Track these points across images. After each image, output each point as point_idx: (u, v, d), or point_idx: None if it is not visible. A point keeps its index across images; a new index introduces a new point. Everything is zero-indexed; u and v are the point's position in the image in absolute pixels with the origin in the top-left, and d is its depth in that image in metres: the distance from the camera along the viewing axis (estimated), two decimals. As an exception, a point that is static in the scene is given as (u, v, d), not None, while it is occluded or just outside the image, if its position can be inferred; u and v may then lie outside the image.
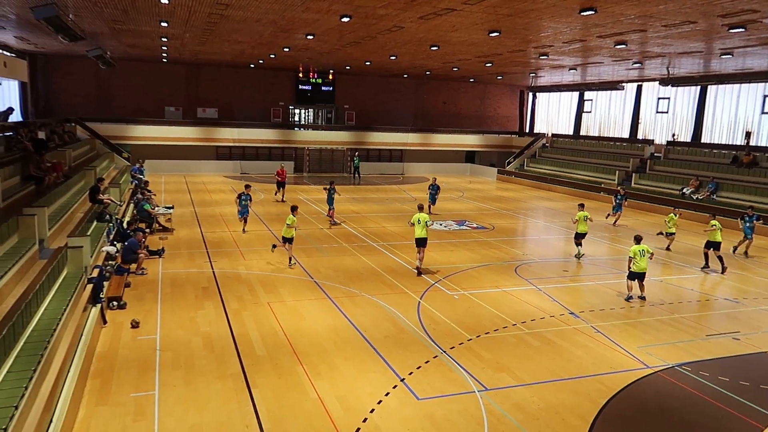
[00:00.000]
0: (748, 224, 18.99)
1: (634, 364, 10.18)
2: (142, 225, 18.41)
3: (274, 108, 42.51)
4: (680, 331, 11.89)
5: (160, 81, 39.54)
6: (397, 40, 24.26)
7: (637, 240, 13.88)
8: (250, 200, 20.48)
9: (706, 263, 17.19)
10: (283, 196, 27.88)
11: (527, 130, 48.96)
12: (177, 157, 38.05)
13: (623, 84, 38.87)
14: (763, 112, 31.39)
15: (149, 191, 21.74)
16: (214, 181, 34.95)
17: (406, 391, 8.88)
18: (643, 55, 25.82)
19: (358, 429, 7.71)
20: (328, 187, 22.90)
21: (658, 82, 35.65)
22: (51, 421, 6.88)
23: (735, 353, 10.91)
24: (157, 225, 19.43)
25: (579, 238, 18.17)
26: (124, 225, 17.11)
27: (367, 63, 33.46)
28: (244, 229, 20.06)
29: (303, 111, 44.24)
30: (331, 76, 42.54)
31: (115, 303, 11.83)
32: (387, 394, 8.72)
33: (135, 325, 10.96)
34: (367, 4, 17.02)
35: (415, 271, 15.68)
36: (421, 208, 16.30)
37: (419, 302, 13.24)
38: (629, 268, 13.66)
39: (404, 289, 14.21)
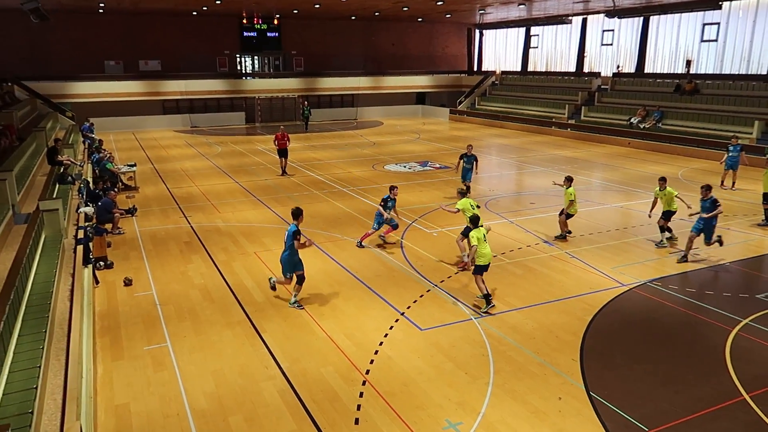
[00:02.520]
0: (732, 154, 18.90)
1: (611, 283, 11.01)
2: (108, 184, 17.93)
3: (219, 57, 41.05)
4: (647, 252, 12.83)
5: (98, 34, 37.39)
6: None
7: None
8: None
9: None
10: (285, 168, 21.96)
11: (476, 69, 49.23)
12: (122, 114, 36.60)
13: (570, 18, 39.39)
14: (702, 41, 32.66)
15: (104, 150, 21.04)
16: (166, 137, 33.93)
17: (408, 323, 9.39)
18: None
19: (372, 361, 8.18)
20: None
21: (603, 14, 36.34)
22: (81, 375, 7.01)
23: (698, 267, 11.92)
24: (120, 184, 18.97)
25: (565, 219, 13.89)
26: (90, 186, 16.65)
27: (317, 6, 32.60)
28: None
29: (250, 59, 42.94)
30: (276, 21, 41.22)
31: (102, 263, 11.75)
32: (391, 328, 9.20)
33: (128, 282, 10.97)
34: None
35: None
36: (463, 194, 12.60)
37: (401, 242, 13.68)
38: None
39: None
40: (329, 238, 14.00)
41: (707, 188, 12.37)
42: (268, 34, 42.06)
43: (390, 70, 45.37)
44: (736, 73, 30.56)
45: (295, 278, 9.92)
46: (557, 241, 13.48)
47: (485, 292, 9.80)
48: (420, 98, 47.16)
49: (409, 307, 9.98)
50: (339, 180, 20.92)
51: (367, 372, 7.86)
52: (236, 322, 9.44)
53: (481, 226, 10.08)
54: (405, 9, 35.34)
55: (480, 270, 9.87)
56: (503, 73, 45.00)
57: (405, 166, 23.75)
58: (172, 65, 39.35)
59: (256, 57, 43.07)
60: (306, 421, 6.84)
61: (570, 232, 13.84)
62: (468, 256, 11.50)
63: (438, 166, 23.78)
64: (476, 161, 17.68)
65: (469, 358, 8.27)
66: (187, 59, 39.83)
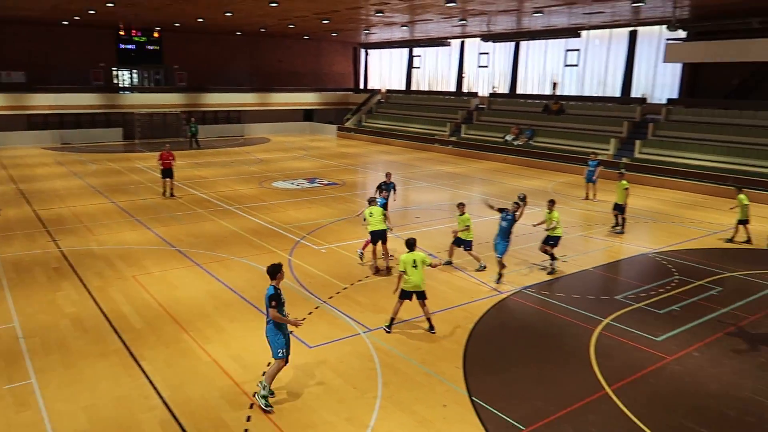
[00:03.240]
0: (591, 168, 20.71)
1: (490, 292, 11.65)
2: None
3: (94, 70, 38.58)
4: (522, 261, 13.70)
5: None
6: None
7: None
8: None
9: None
10: (171, 190, 20.38)
11: (362, 87, 50.20)
12: (-22, 129, 33.20)
13: (449, 40, 41.39)
14: (565, 65, 35.63)
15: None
16: (32, 154, 31.21)
17: (296, 342, 9.30)
18: (467, 12, 27.79)
19: (260, 382, 8.03)
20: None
21: (479, 38, 38.59)
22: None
23: (566, 273, 12.92)
24: (-25, 207, 17.20)
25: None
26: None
27: (200, 20, 31.72)
28: None
29: (128, 72, 40.77)
30: (156, 34, 39.57)
31: (-48, 296, 10.54)
32: (279, 347, 9.08)
33: (-15, 316, 9.95)
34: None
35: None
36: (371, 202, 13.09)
37: (290, 259, 13.59)
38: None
39: (271, 248, 14.42)
40: (214, 258, 13.58)
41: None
42: (148, 46, 40.26)
43: (277, 87, 45.05)
44: (595, 95, 33.66)
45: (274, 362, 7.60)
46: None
47: (392, 316, 9.71)
48: (308, 115, 47.18)
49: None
50: (225, 198, 20.38)
51: (255, 394, 7.71)
52: (112, 351, 8.88)
53: (414, 250, 9.63)
54: (291, 26, 35.36)
55: (402, 295, 9.55)
56: (388, 91, 46.26)
57: (293, 183, 23.63)
58: (39, 77, 36.36)
59: (134, 70, 40.98)
60: (190, 451, 6.58)
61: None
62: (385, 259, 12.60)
63: (326, 182, 23.90)
64: (394, 189, 16.13)
65: (357, 372, 8.38)
66: (58, 71, 37.05)
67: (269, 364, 7.88)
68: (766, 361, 8.92)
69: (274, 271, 7.67)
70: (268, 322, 7.62)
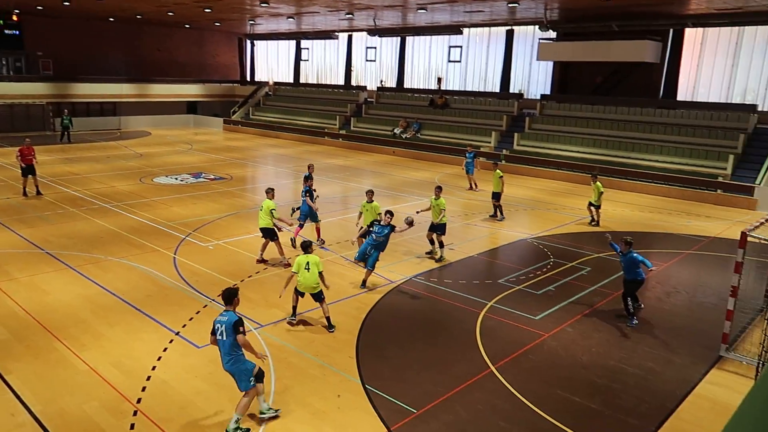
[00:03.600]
0: (468, 160, 21.95)
1: (381, 281, 11.85)
2: None
3: (-63, 55, 34.36)
4: (410, 251, 14.07)
5: None
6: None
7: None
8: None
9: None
10: (37, 188, 18.72)
11: (249, 79, 48.90)
12: None
13: (336, 33, 41.38)
14: (449, 61, 36.93)
15: None
16: None
17: (184, 343, 8.96)
18: (353, 6, 27.92)
19: (144, 388, 7.63)
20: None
21: (366, 32, 38.92)
22: None
23: (453, 260, 13.45)
24: None
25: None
26: None
27: (66, 3, 29.22)
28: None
29: (-19, 59, 36.75)
30: (16, 18, 35.90)
31: None
32: (165, 350, 8.69)
33: None
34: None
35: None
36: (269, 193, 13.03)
37: (174, 258, 12.99)
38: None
39: (154, 247, 13.71)
40: (89, 259, 12.67)
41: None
42: (6, 31, 36.49)
43: (157, 78, 42.66)
44: (477, 90, 35.22)
45: (245, 394, 6.80)
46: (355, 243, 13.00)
47: (293, 305, 9.74)
48: (191, 107, 45.16)
49: (184, 326, 9.52)
50: (101, 195, 19.04)
51: (139, 401, 7.31)
52: (-29, 367, 8.02)
53: (310, 253, 9.58)
54: (170, 14, 33.61)
55: (297, 291, 9.67)
56: (276, 83, 45.43)
57: (177, 179, 22.57)
58: None
59: (-11, 57, 37.05)
60: (66, 466, 6.12)
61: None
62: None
63: (213, 177, 23.07)
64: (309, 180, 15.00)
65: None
66: None
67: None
68: (629, 332, 9.85)
69: (230, 296, 6.89)
70: (228, 354, 6.67)
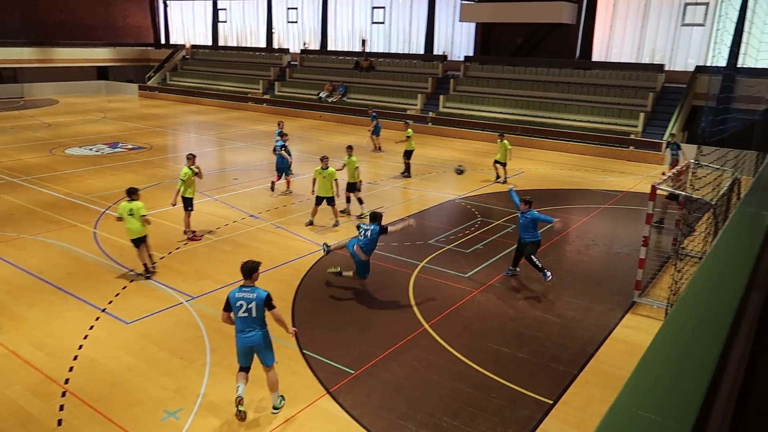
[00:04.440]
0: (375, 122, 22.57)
1: (314, 247, 11.84)
2: None
3: None
4: (344, 215, 14.07)
5: None
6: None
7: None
8: None
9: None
10: None
11: (164, 42, 46.45)
12: None
13: (255, -7, 39.82)
14: (373, 22, 36.51)
15: None
16: None
17: (111, 319, 8.66)
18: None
19: (72, 368, 7.36)
20: None
21: (286, -8, 37.68)
22: None
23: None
24: None
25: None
26: None
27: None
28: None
29: None
30: None
31: None
32: (91, 328, 8.38)
33: None
34: None
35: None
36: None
37: (95, 232, 12.41)
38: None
39: (72, 222, 13.03)
40: (2, 238, 11.89)
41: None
42: None
43: (60, 41, 39.72)
44: (401, 52, 35.10)
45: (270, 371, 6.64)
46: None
47: (143, 263, 10.12)
48: (102, 73, 42.51)
49: (111, 302, 9.19)
50: (7, 169, 17.77)
51: (67, 381, 7.05)
52: None
53: (136, 200, 9.91)
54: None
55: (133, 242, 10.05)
56: (194, 47, 43.41)
57: (91, 149, 21.36)
58: None
59: None
60: (-8, 454, 5.86)
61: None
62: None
63: (130, 147, 21.99)
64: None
65: (183, 342, 8.06)
66: None
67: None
68: (551, 285, 10.38)
69: (251, 270, 6.43)
70: (261, 330, 6.48)
